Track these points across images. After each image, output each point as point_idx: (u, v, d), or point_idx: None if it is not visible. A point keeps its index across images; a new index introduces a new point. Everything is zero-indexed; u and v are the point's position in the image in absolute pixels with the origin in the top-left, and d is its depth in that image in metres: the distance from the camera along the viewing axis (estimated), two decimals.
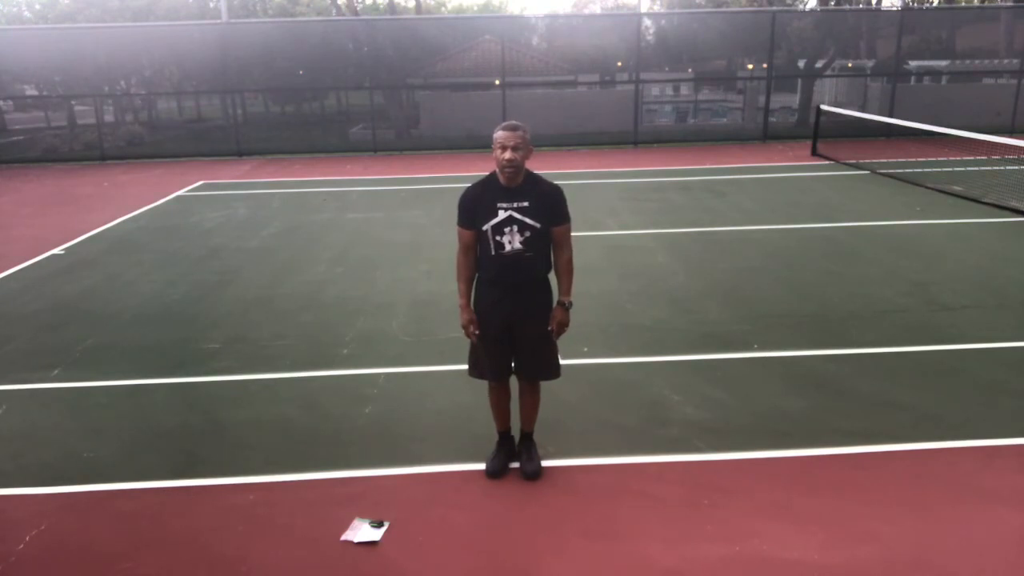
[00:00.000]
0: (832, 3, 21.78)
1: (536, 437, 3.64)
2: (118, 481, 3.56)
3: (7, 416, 4.28)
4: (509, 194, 3.21)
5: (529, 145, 3.22)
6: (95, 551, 3.07)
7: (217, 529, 3.19)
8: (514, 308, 3.34)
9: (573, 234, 3.38)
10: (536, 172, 3.31)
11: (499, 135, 3.18)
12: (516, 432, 3.65)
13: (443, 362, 4.76)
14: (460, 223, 3.32)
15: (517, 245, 3.22)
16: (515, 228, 3.21)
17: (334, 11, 23.72)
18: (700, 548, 2.99)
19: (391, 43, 17.18)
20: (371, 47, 17.21)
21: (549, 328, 3.35)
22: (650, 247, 7.58)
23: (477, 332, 3.35)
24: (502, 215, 3.20)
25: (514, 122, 3.23)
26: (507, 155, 3.15)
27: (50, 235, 8.69)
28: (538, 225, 3.23)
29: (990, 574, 2.83)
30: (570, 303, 3.35)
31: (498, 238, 3.22)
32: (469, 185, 3.35)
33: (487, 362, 3.47)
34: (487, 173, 3.30)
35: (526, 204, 3.20)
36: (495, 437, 3.64)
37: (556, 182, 3.34)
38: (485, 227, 3.22)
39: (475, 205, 3.27)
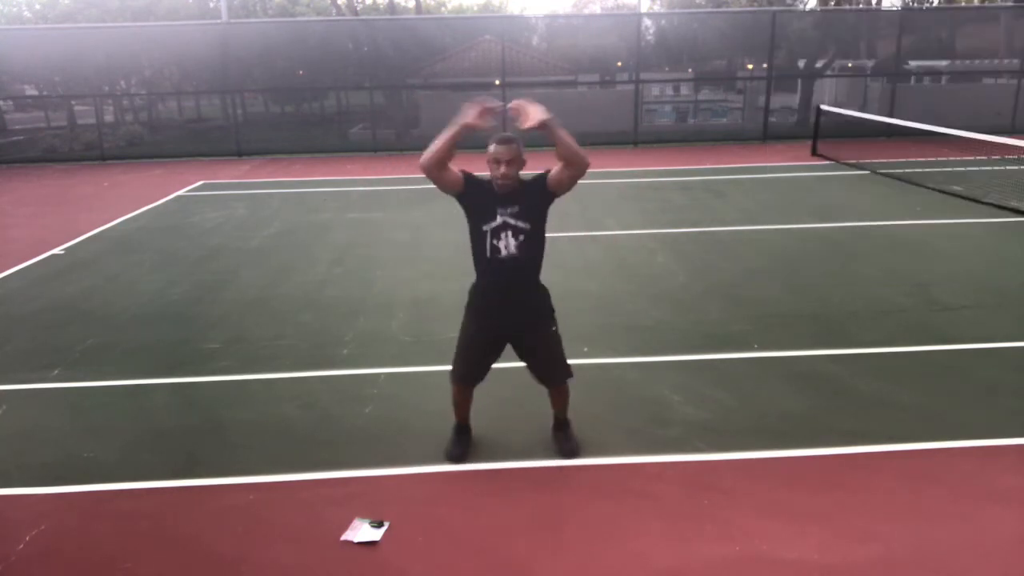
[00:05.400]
0: (832, 3, 21.78)
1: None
2: (118, 481, 3.56)
3: (7, 416, 4.28)
4: (503, 200, 3.28)
5: (522, 157, 3.28)
6: (95, 551, 3.07)
7: (217, 529, 3.19)
8: (513, 317, 3.41)
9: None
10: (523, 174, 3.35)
11: (493, 149, 3.23)
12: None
13: (443, 362, 4.72)
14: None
15: (512, 251, 3.29)
16: (509, 234, 3.28)
17: (334, 11, 23.73)
18: (700, 548, 2.99)
19: (391, 43, 17.17)
20: (371, 47, 17.20)
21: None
22: (650, 247, 7.58)
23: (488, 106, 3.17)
24: (499, 219, 3.27)
25: (508, 135, 3.27)
26: (502, 170, 3.22)
27: (50, 235, 8.68)
28: (528, 226, 3.29)
29: (990, 574, 2.83)
30: (552, 121, 3.09)
31: (495, 242, 3.29)
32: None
33: (465, 362, 3.53)
34: (487, 176, 3.33)
35: (517, 208, 3.28)
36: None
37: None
38: (485, 228, 3.29)
39: (478, 191, 3.31)
